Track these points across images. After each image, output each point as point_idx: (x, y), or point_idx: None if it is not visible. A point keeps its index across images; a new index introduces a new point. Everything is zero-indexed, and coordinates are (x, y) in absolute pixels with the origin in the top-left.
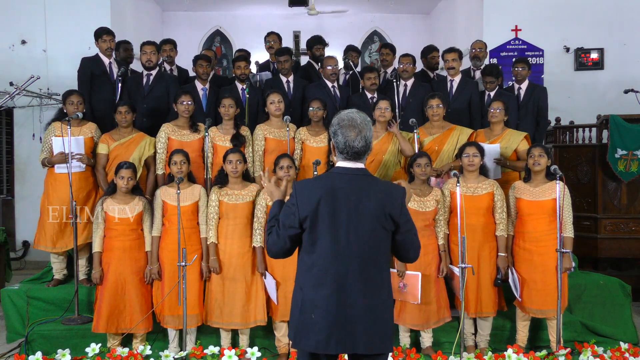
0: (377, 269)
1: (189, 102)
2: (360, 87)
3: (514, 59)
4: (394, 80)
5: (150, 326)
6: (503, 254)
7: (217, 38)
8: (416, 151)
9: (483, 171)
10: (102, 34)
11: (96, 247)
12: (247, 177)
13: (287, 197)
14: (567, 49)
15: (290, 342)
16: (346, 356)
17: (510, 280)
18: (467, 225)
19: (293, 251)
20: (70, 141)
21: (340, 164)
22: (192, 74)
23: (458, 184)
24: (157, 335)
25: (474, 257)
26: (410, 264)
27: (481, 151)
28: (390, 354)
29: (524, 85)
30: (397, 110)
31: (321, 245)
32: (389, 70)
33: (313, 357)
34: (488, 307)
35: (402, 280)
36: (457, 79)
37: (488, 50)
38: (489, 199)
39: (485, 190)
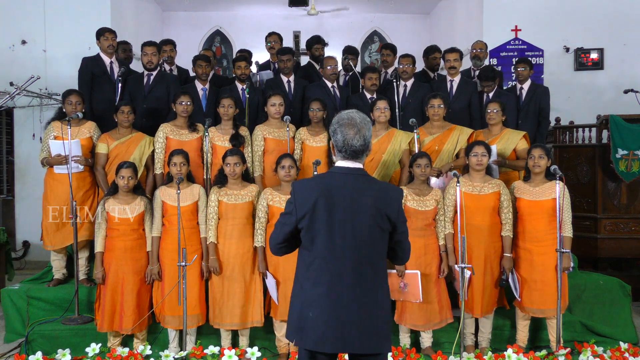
0: (373, 269)
1: (188, 103)
2: (360, 87)
3: (515, 59)
4: (394, 81)
5: (145, 326)
6: (508, 255)
7: (217, 38)
8: (416, 151)
9: (488, 171)
10: (104, 32)
11: (98, 247)
12: (246, 178)
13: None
14: (567, 49)
15: (293, 341)
16: (346, 355)
17: (510, 281)
18: (473, 224)
19: (289, 249)
20: (70, 144)
21: (340, 163)
22: (192, 74)
23: (458, 184)
24: (157, 335)
25: (480, 257)
26: (410, 264)
27: (489, 151)
28: (389, 353)
29: (526, 85)
30: (397, 110)
31: (318, 244)
32: (390, 70)
33: (312, 355)
34: (489, 306)
35: (403, 280)
36: (457, 79)
37: (488, 50)
38: (495, 198)
39: (491, 189)
